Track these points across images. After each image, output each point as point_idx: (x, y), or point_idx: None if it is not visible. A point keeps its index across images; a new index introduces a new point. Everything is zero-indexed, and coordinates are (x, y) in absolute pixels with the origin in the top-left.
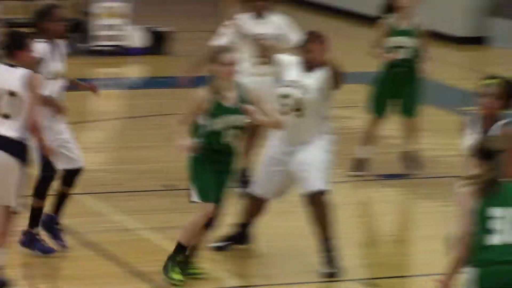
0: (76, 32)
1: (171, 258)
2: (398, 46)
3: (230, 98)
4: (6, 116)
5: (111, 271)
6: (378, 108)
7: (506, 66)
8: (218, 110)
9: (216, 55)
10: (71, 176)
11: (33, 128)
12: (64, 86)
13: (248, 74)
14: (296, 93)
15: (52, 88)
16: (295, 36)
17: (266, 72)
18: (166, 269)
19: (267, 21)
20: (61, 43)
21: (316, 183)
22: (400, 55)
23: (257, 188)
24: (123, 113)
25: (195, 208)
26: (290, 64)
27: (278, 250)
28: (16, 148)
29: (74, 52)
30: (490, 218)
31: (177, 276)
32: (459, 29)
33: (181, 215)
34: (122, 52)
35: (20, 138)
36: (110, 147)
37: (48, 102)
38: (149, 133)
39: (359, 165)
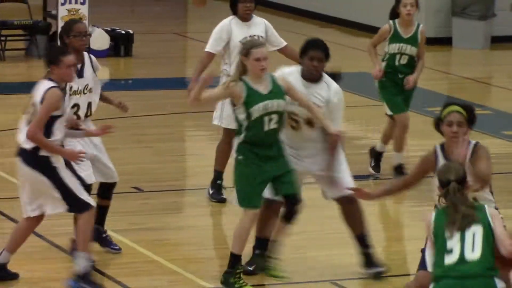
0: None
1: (229, 272)
2: (401, 53)
3: (263, 87)
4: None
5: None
6: (397, 106)
7: (469, 66)
8: (254, 97)
9: (249, 50)
10: (107, 189)
11: (32, 138)
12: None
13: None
14: (303, 111)
15: (76, 102)
16: (280, 39)
17: None
18: (227, 284)
19: (253, 23)
20: (88, 59)
21: (351, 183)
22: (402, 61)
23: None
24: None
25: (170, 210)
26: (293, 76)
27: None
28: (25, 156)
29: (37, 55)
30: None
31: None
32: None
33: (149, 217)
34: None
35: (31, 146)
36: None
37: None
38: (115, 134)
39: (397, 171)
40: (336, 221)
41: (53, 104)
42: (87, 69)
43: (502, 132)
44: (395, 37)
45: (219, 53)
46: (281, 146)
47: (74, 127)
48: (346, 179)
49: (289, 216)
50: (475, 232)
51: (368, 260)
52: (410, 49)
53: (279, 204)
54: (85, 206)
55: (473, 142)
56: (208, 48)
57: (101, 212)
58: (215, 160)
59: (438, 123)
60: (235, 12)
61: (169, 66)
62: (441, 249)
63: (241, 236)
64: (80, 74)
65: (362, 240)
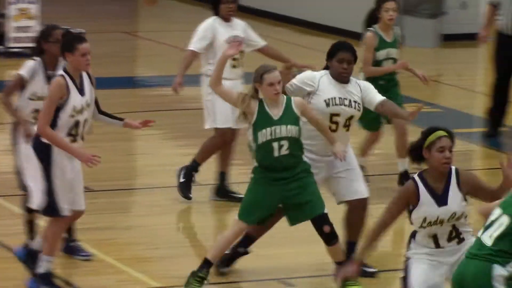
0: None
1: (193, 274)
2: (388, 58)
3: (276, 110)
4: None
5: (26, 274)
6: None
7: (419, 64)
8: (263, 121)
9: (262, 76)
10: None
11: (42, 134)
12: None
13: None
14: (348, 111)
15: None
16: (259, 39)
17: (238, 75)
18: (187, 284)
19: (234, 24)
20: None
21: (365, 190)
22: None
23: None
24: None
25: (119, 210)
26: (324, 80)
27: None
28: (34, 146)
29: None
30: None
31: None
32: None
33: (98, 217)
34: None
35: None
36: None
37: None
38: None
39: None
40: (283, 220)
41: (56, 94)
42: (86, 85)
43: (452, 130)
44: (382, 43)
45: (202, 52)
46: (301, 171)
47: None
48: (362, 184)
49: (328, 242)
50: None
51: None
52: (395, 53)
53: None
54: (57, 212)
55: (452, 168)
56: (192, 46)
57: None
58: (198, 155)
59: (419, 151)
60: (216, 12)
61: (119, 65)
62: (484, 224)
63: (220, 245)
64: (48, 81)
65: (352, 247)
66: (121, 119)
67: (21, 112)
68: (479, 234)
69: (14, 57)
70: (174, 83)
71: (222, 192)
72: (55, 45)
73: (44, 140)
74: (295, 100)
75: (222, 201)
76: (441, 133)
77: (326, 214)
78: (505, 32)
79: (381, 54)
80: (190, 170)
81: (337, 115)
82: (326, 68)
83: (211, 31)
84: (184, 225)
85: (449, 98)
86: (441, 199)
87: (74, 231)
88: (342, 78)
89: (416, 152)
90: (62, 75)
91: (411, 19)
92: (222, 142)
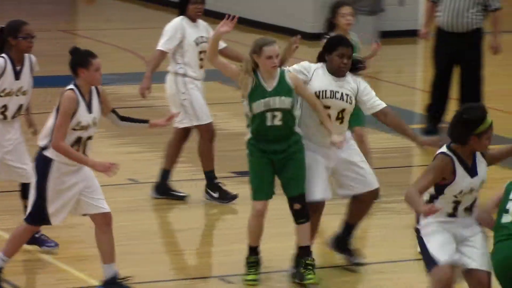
0: None
1: (246, 263)
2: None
3: (270, 83)
4: None
5: None
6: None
7: None
8: (258, 93)
9: (262, 48)
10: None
11: (56, 149)
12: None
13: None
14: (340, 104)
15: (5, 104)
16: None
17: (203, 76)
18: (245, 274)
19: (200, 24)
20: (28, 60)
21: (376, 181)
22: None
23: (318, 194)
24: None
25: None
26: (319, 72)
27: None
28: (36, 158)
29: None
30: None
31: (250, 277)
32: (309, 25)
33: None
34: None
35: (42, 144)
36: None
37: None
38: None
39: None
40: (221, 218)
41: (69, 108)
42: (26, 72)
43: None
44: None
45: (170, 51)
46: (292, 144)
47: None
48: (372, 177)
49: (297, 219)
50: None
51: (350, 250)
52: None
53: (321, 204)
54: (42, 221)
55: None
56: (161, 46)
57: None
58: (204, 163)
59: (469, 133)
60: (184, 12)
61: (58, 64)
62: (501, 209)
63: (249, 230)
64: (17, 76)
65: (352, 228)
66: (145, 121)
67: None
68: (504, 220)
69: None
70: (142, 86)
71: (163, 189)
72: (25, 41)
73: (48, 154)
74: (289, 73)
75: (162, 198)
76: (489, 121)
77: (302, 195)
78: (445, 28)
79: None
80: (211, 182)
81: (328, 107)
82: (320, 60)
83: (181, 31)
84: (125, 224)
85: (388, 95)
86: (472, 170)
87: None
88: (340, 72)
89: (461, 136)
90: (72, 89)
91: None
92: (210, 137)
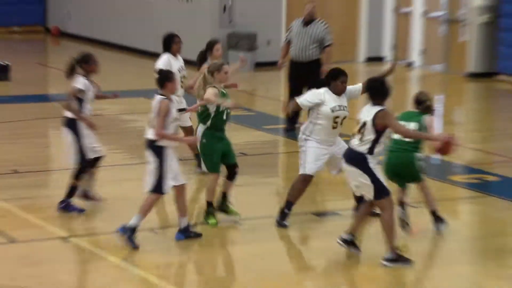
0: None
1: (206, 214)
2: None
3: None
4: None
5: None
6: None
7: (241, 83)
8: (222, 96)
9: (220, 67)
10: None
11: (161, 138)
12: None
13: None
14: (344, 113)
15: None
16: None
17: (182, 93)
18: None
19: (178, 57)
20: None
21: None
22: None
23: (311, 169)
24: None
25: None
26: (327, 95)
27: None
28: (149, 144)
29: None
30: None
31: (211, 220)
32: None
33: None
34: None
35: (153, 137)
36: None
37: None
38: None
39: None
40: None
41: (166, 111)
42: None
43: (263, 127)
44: None
45: None
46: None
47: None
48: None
49: (232, 177)
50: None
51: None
52: None
53: (311, 178)
54: (162, 191)
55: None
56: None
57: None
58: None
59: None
60: (168, 49)
61: (35, 87)
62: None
63: (209, 189)
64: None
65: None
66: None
67: None
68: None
69: None
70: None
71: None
72: (94, 65)
73: (159, 144)
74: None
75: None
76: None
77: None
78: (294, 60)
79: None
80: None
81: (338, 117)
82: (323, 85)
83: (168, 64)
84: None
85: (261, 105)
86: None
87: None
88: (341, 92)
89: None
90: (165, 98)
91: (233, 52)
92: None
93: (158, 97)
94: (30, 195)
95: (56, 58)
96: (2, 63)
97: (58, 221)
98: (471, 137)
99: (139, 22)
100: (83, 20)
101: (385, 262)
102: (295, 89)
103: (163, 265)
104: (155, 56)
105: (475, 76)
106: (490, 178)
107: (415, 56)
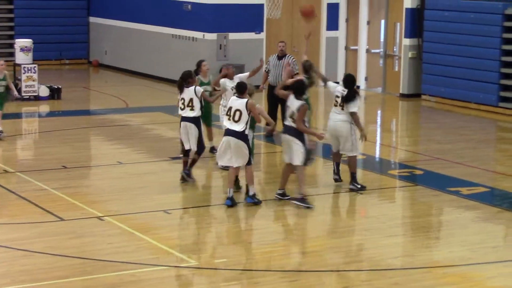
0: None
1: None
2: (206, 90)
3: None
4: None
5: None
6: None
7: None
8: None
9: (200, 64)
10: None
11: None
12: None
13: None
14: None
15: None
16: None
17: None
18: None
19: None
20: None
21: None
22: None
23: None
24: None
25: None
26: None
27: None
28: (237, 135)
29: (16, 99)
30: None
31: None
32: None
33: None
34: (36, 98)
35: (241, 129)
36: None
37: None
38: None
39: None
40: None
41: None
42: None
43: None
44: (202, 83)
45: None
46: None
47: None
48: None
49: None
50: None
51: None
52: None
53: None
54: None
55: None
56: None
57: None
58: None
59: None
60: (198, 72)
61: (80, 104)
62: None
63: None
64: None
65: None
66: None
67: None
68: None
69: (25, 101)
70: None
71: None
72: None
73: (245, 133)
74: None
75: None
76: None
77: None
78: (272, 84)
79: (205, 87)
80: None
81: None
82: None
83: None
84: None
85: None
86: None
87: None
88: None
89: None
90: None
91: (225, 79)
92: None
93: (191, 87)
94: (75, 185)
95: (96, 83)
96: (56, 86)
97: (95, 204)
98: (402, 141)
99: (158, 55)
100: (115, 55)
101: (293, 201)
102: (272, 106)
103: (182, 239)
104: (169, 81)
105: (405, 96)
106: (417, 172)
107: (361, 81)
